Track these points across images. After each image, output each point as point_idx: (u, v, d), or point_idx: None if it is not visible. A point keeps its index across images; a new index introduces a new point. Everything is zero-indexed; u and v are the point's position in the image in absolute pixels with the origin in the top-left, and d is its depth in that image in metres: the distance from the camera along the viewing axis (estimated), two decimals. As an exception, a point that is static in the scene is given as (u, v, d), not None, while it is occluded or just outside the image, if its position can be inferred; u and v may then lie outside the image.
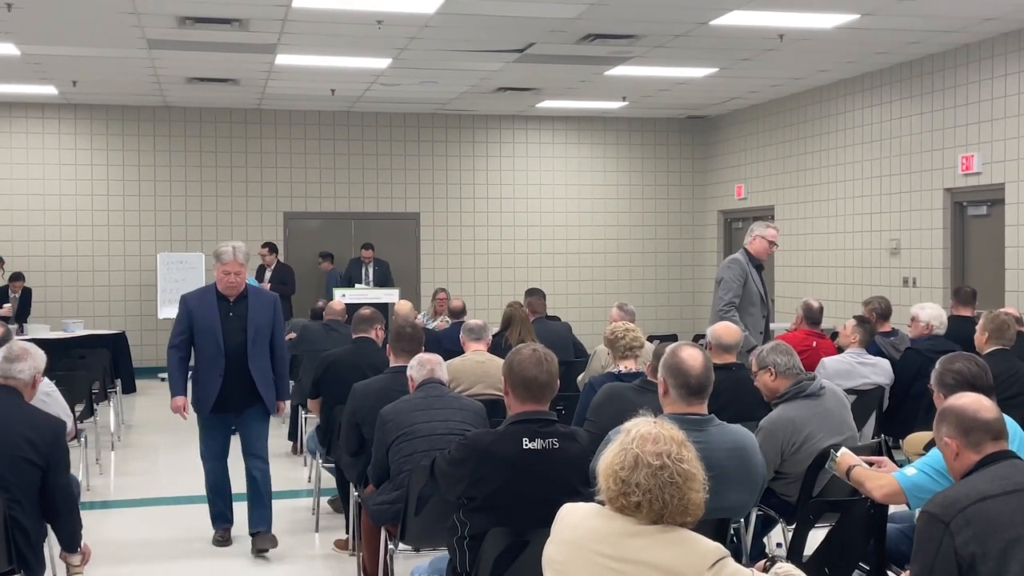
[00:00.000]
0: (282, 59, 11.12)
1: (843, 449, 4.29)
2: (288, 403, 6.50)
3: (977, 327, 6.47)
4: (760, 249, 7.61)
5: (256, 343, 6.08)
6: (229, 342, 6.05)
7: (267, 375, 6.15)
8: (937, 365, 4.28)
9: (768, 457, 4.47)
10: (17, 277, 13.32)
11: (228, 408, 6.17)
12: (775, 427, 4.75)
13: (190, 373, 6.23)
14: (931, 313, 7.66)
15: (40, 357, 4.64)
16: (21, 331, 11.63)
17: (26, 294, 13.45)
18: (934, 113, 11.12)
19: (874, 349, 7.87)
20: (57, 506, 4.39)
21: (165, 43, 10.26)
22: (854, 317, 7.41)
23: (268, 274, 13.91)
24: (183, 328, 6.13)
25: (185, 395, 6.15)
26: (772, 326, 12.42)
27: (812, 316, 8.05)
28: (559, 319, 9.87)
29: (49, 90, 13.18)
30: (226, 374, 6.07)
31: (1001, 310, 6.89)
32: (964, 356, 4.31)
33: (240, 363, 6.06)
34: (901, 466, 4.16)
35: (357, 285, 13.62)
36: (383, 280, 13.89)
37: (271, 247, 14.10)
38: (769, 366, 4.95)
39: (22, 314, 13.22)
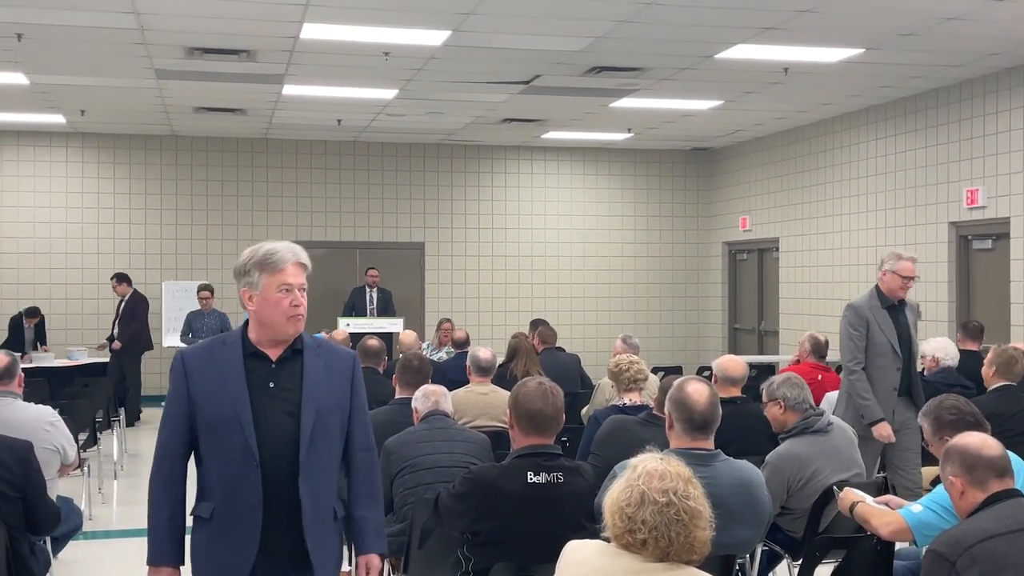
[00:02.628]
0: (289, 89, 11.18)
1: (846, 488, 4.28)
2: (381, 559, 3.36)
3: (984, 361, 6.45)
4: (892, 287, 6.30)
5: (316, 444, 3.18)
6: (269, 442, 3.14)
7: (326, 508, 3.23)
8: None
9: (774, 492, 4.45)
10: (33, 313, 13.00)
11: None
12: (782, 462, 4.74)
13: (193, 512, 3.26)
14: (935, 346, 7.62)
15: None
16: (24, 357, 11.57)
17: (40, 325, 13.32)
18: (939, 147, 11.15)
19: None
20: (44, 528, 4.46)
21: (173, 73, 10.32)
22: None
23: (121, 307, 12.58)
24: (172, 428, 3.20)
25: (179, 561, 3.22)
26: (776, 358, 12.47)
27: (818, 349, 8.04)
28: (564, 350, 9.85)
29: (57, 119, 13.25)
30: (266, 506, 3.13)
31: (1010, 345, 6.86)
32: (946, 396, 4.35)
33: (284, 482, 3.15)
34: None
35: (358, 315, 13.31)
36: (384, 308, 13.73)
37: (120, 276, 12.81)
38: (779, 399, 4.94)
39: (37, 344, 13.18)
